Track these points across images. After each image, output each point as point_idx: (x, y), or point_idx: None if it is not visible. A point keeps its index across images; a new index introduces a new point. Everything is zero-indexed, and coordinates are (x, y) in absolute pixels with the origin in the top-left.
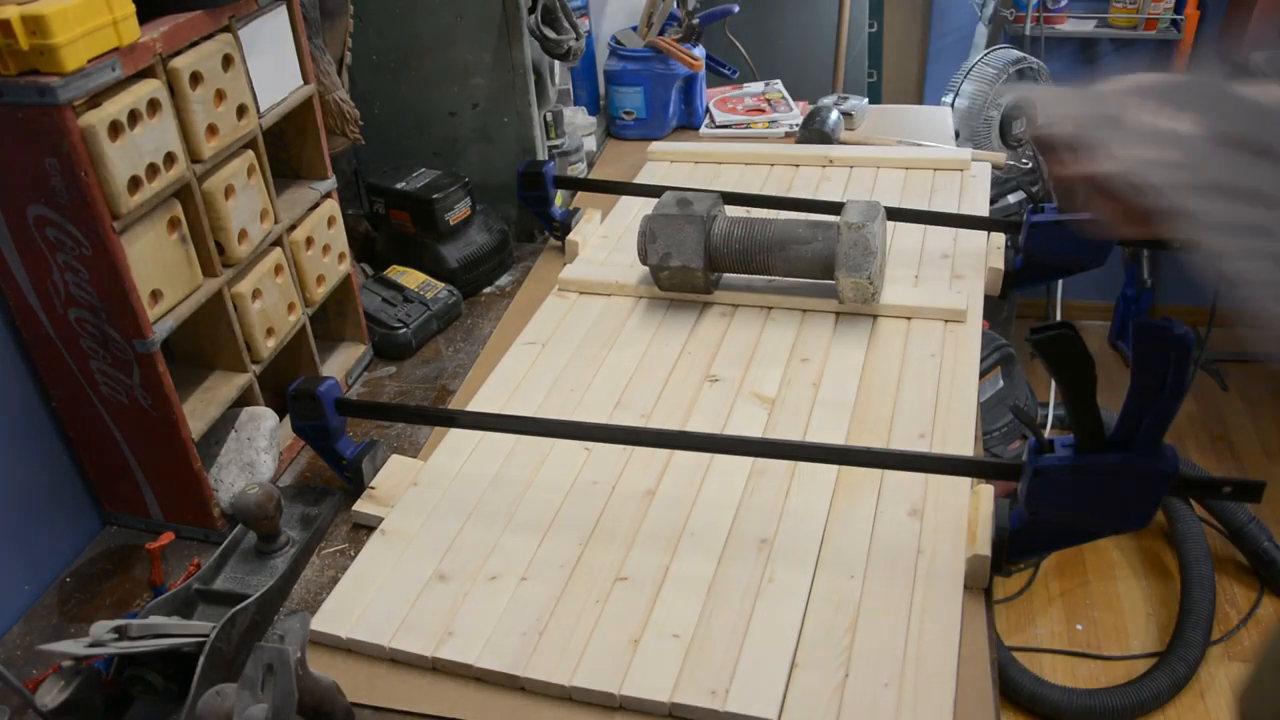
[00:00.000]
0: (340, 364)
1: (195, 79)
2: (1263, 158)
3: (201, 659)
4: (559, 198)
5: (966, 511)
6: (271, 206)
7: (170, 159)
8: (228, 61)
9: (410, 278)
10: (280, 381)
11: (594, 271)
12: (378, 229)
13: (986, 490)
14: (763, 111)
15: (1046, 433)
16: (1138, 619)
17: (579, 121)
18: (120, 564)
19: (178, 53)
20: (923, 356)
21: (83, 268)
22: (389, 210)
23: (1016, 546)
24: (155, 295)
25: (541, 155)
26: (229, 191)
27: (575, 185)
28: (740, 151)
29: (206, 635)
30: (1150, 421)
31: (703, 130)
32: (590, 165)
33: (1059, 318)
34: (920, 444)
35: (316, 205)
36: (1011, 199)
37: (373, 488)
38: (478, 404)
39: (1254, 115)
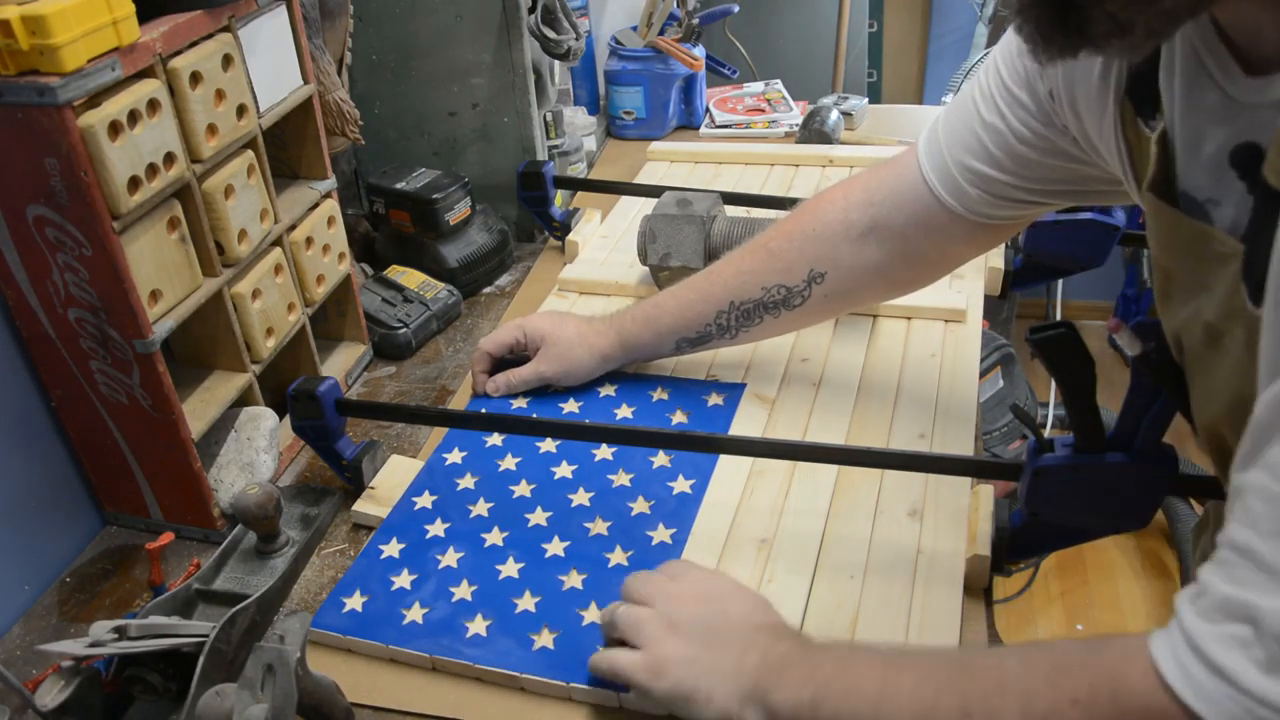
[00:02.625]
0: (340, 364)
1: (195, 79)
2: None
3: (201, 659)
4: (559, 198)
5: (966, 511)
6: (271, 206)
7: (170, 159)
8: (227, 61)
9: (410, 278)
10: (280, 381)
11: (594, 271)
12: (378, 229)
13: (986, 490)
14: (763, 111)
15: (1046, 433)
16: (1138, 619)
17: (579, 121)
18: (120, 564)
19: (177, 53)
20: (923, 356)
21: (82, 268)
22: (389, 210)
23: (1016, 546)
24: (155, 295)
25: (541, 155)
26: (229, 191)
27: (575, 185)
28: (740, 151)
29: (206, 635)
30: (1150, 421)
31: (703, 130)
32: (590, 165)
33: (1059, 318)
34: (920, 444)
35: (316, 205)
36: None
37: (372, 488)
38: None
39: None
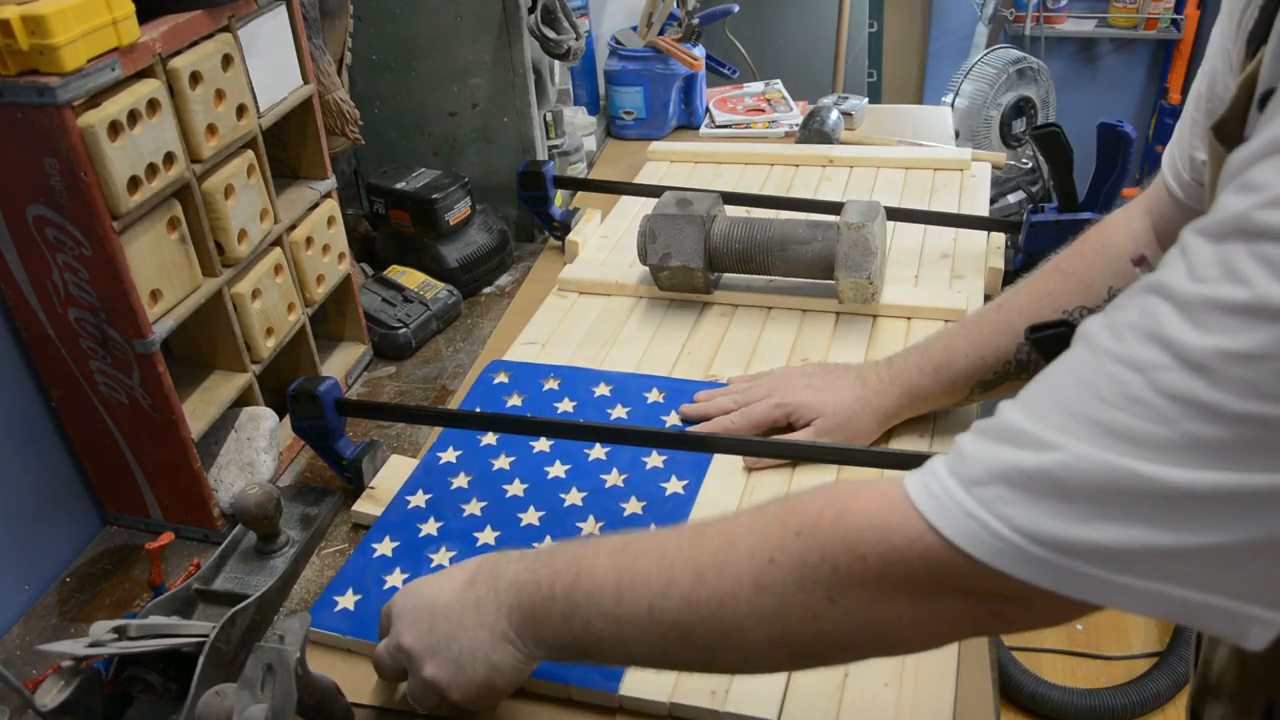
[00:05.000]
0: (340, 364)
1: (195, 79)
2: None
3: (201, 659)
4: (559, 198)
5: None
6: (271, 206)
7: (170, 159)
8: (227, 61)
9: (410, 278)
10: (280, 381)
11: (594, 271)
12: (378, 229)
13: None
14: (763, 111)
15: None
16: (1138, 619)
17: (579, 121)
18: (120, 564)
19: (177, 53)
20: None
21: (82, 268)
22: (389, 210)
23: None
24: (155, 295)
25: (541, 155)
26: (229, 191)
27: (575, 185)
28: (740, 151)
29: (206, 635)
30: None
31: (703, 130)
32: (590, 165)
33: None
34: (920, 444)
35: (316, 205)
36: (1011, 199)
37: (372, 488)
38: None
39: None
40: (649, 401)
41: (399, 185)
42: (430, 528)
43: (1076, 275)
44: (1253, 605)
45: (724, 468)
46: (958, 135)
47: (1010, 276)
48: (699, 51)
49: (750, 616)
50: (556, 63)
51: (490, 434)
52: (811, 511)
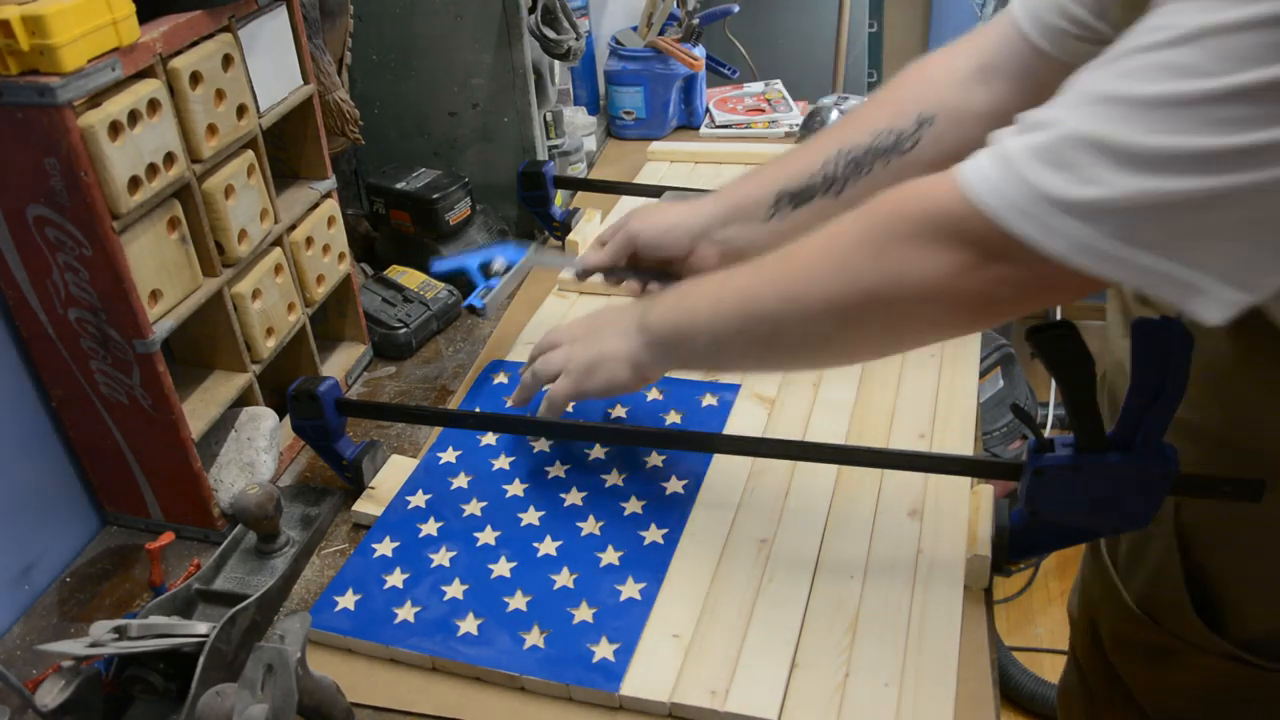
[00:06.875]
0: (340, 364)
1: (195, 79)
2: None
3: (201, 659)
4: (559, 198)
5: (966, 511)
6: (271, 206)
7: (170, 159)
8: (228, 61)
9: (410, 278)
10: (280, 381)
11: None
12: (378, 229)
13: (986, 490)
14: (763, 111)
15: (1046, 433)
16: None
17: (579, 121)
18: (120, 564)
19: (178, 53)
20: (923, 356)
21: (83, 268)
22: (389, 210)
23: (1016, 546)
24: (155, 295)
25: (541, 155)
26: (229, 191)
27: (575, 185)
28: (740, 151)
29: (206, 635)
30: (1150, 421)
31: (703, 130)
32: (590, 165)
33: (1059, 317)
34: (920, 444)
35: (316, 205)
36: None
37: (372, 488)
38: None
39: None
40: (649, 401)
41: (399, 185)
42: (430, 528)
43: (888, 103)
44: (1204, 274)
45: (724, 467)
46: None
47: None
48: (699, 51)
49: (814, 282)
50: (556, 63)
51: (490, 434)
52: (879, 200)
